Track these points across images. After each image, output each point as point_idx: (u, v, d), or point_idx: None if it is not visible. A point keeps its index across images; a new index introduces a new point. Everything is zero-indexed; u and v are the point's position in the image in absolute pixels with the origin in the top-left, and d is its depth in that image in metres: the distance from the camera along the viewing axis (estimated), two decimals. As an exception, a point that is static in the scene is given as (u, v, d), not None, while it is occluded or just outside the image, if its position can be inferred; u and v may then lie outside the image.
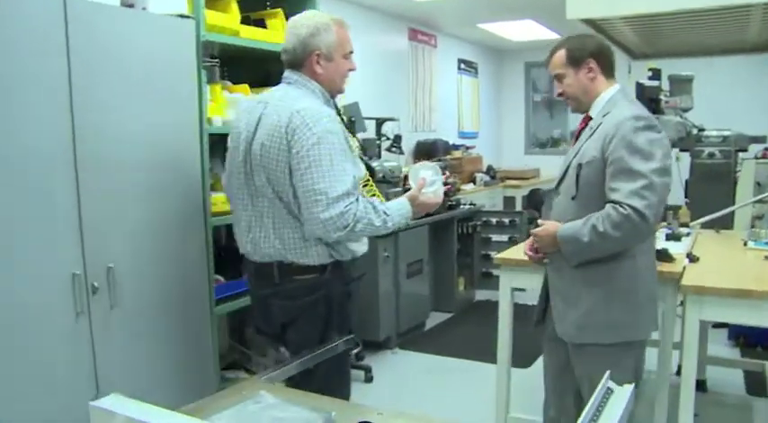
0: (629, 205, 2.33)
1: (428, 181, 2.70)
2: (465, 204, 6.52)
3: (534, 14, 7.42)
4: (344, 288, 2.61)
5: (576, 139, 2.65)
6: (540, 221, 2.66)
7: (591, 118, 2.62)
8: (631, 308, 2.53)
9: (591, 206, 2.47)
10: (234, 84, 3.57)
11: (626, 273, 2.52)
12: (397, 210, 2.56)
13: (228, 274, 3.39)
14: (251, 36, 3.40)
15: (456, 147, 8.43)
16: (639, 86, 4.72)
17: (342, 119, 2.63)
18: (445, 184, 2.82)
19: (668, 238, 3.74)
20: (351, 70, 2.65)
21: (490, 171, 8.69)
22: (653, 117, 2.48)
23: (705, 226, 4.15)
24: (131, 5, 2.83)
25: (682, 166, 4.66)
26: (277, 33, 3.54)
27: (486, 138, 9.84)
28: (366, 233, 2.49)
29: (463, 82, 9.23)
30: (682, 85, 5.25)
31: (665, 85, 5.39)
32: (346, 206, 2.36)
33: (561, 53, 2.65)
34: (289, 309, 2.58)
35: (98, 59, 2.54)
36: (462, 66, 9.20)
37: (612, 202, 2.38)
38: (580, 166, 2.50)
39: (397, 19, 7.46)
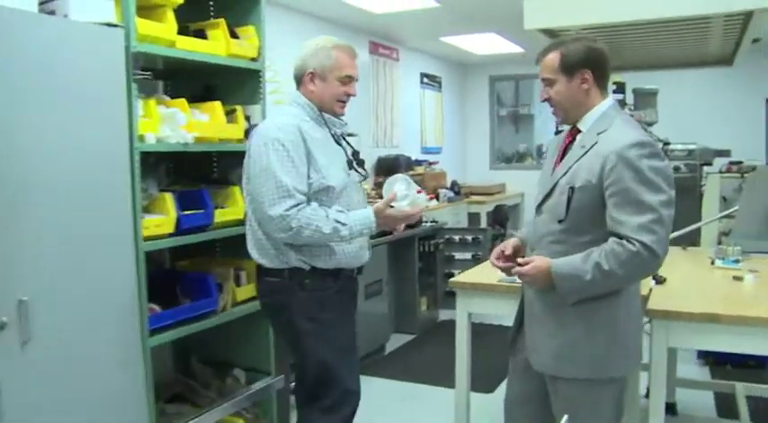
0: (637, 241, 2.15)
1: (399, 194, 2.73)
2: (427, 221, 6.37)
3: (497, 27, 7.33)
4: (309, 296, 2.71)
5: (563, 154, 2.43)
6: (524, 259, 2.41)
7: (579, 131, 2.40)
8: (620, 340, 2.34)
9: (579, 231, 2.31)
10: (173, 98, 3.35)
11: (618, 303, 2.33)
12: (358, 220, 2.68)
13: (166, 301, 3.14)
14: (189, 47, 3.18)
15: (419, 162, 8.31)
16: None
17: (332, 134, 2.82)
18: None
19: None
20: (348, 95, 2.81)
21: (454, 187, 8.60)
22: (655, 142, 2.29)
23: (672, 243, 4.03)
24: (52, 12, 2.62)
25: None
26: (218, 44, 3.35)
27: (449, 153, 9.72)
28: (316, 240, 2.63)
29: (426, 96, 9.11)
30: (646, 98, 5.18)
31: (630, 98, 5.32)
32: (286, 210, 2.56)
33: (554, 57, 2.36)
34: (263, 308, 2.94)
35: (8, 70, 2.30)
36: (425, 80, 9.09)
37: (617, 235, 2.19)
38: (572, 189, 2.29)
39: (356, 32, 7.30)
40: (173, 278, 3.35)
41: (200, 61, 3.25)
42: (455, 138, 10.08)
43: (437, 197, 8.04)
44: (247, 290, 3.54)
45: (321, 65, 2.76)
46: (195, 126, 3.20)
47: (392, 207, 2.76)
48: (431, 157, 8.86)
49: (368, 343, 5.32)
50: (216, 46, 3.34)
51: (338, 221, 2.62)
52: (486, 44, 8.31)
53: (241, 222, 3.40)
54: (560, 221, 2.34)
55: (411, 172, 7.66)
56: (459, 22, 6.97)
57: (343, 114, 2.87)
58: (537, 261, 2.34)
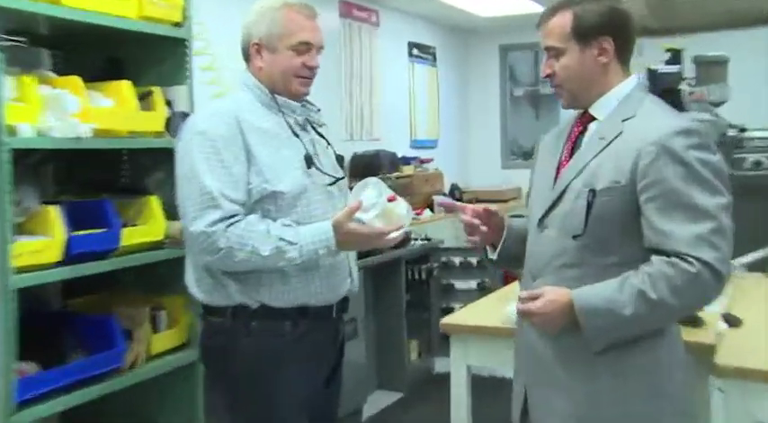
0: (696, 258, 2.09)
1: (365, 204, 2.64)
2: (416, 239, 6.36)
3: (508, -20, 7.29)
4: (257, 343, 2.65)
5: (572, 148, 2.40)
6: (531, 292, 2.30)
7: (593, 118, 2.36)
8: (664, 392, 2.25)
9: (602, 248, 2.27)
10: (62, 75, 3.28)
11: (661, 343, 2.27)
12: (311, 236, 2.59)
13: (49, 357, 3.04)
14: (81, 5, 3.10)
15: (407, 160, 8.24)
16: (652, 74, 4.55)
17: (290, 123, 2.76)
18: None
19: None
20: (308, 68, 2.76)
21: (455, 192, 8.64)
22: (704, 131, 2.24)
23: (751, 268, 3.91)
24: None
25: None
26: (126, 2, 3.29)
27: (448, 147, 9.69)
28: (254, 265, 2.57)
29: (416, 72, 9.07)
30: (712, 69, 5.14)
31: (688, 70, 5.24)
32: (210, 225, 2.52)
33: (565, 18, 2.34)
34: (202, 353, 2.89)
35: None
36: (415, 51, 9.04)
37: (664, 252, 2.13)
38: (593, 192, 2.24)
39: (323, -12, 7.22)
40: (61, 323, 3.28)
41: (99, 25, 3.18)
42: (455, 127, 10.06)
43: (431, 206, 7.96)
44: (168, 337, 3.51)
45: (268, 32, 2.73)
46: (94, 114, 3.14)
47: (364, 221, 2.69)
48: (423, 154, 8.81)
49: (341, 404, 5.19)
50: (122, 4, 3.30)
51: (283, 239, 2.56)
52: (494, 2, 8.30)
53: (160, 245, 3.33)
54: (576, 237, 2.28)
55: (397, 173, 7.60)
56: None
57: (305, 94, 2.84)
58: (550, 294, 2.25)
